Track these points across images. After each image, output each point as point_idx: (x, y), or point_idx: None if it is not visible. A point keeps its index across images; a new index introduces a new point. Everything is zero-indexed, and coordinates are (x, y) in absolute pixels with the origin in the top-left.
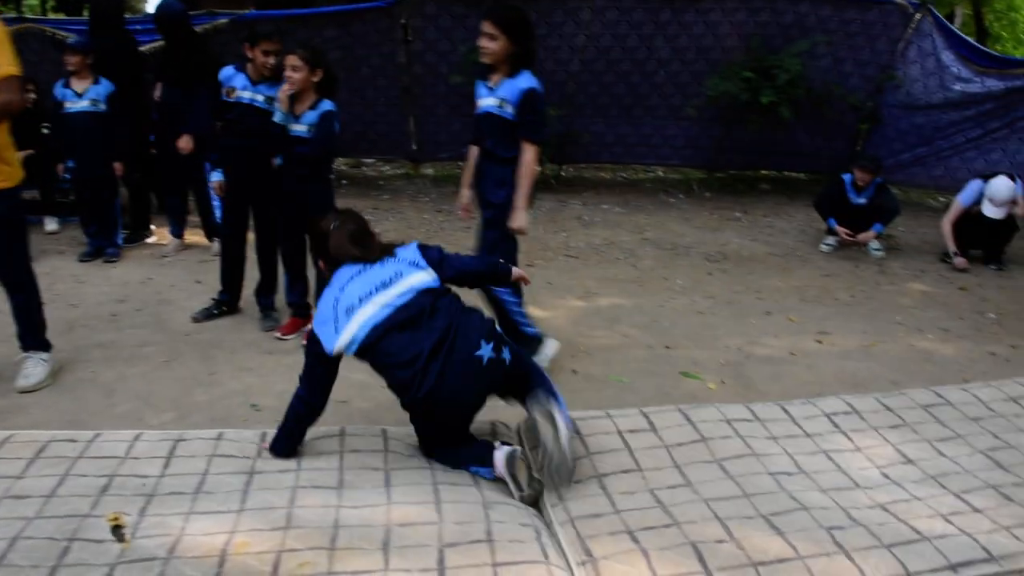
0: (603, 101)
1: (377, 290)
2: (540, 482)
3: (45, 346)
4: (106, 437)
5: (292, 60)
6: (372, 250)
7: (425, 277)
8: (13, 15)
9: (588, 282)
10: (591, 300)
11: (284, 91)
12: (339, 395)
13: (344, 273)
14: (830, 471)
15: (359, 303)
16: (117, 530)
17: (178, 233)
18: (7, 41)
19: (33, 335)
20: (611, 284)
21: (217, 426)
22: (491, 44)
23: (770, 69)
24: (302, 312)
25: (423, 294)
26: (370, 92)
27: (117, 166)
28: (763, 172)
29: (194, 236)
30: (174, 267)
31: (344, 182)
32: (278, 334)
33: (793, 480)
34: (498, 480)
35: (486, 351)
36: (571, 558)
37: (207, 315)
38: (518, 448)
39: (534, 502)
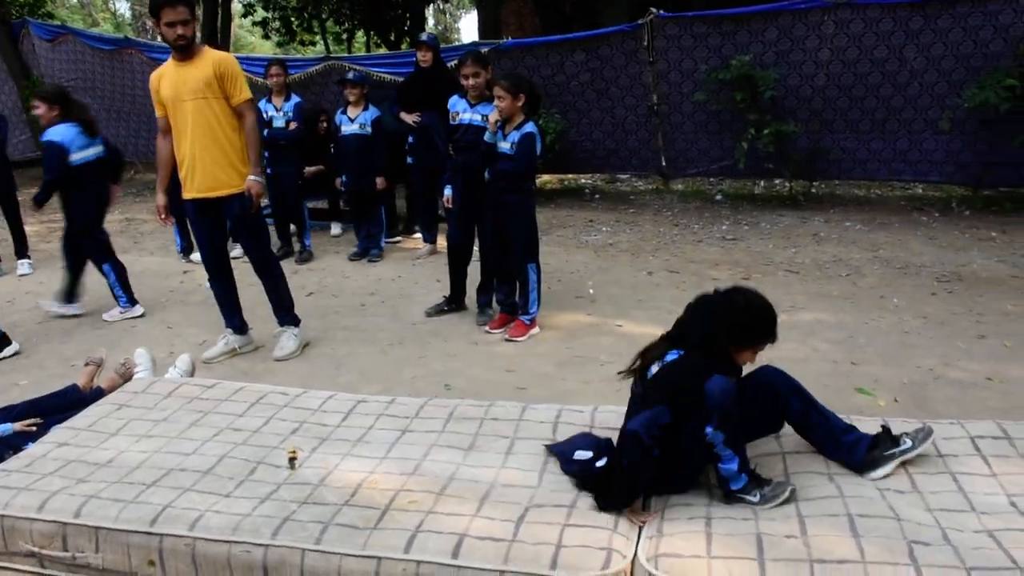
0: (853, 116)
1: None
2: None
3: (295, 321)
4: (309, 394)
5: (498, 91)
6: None
7: None
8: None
9: (798, 297)
10: (792, 314)
11: (492, 117)
12: (522, 382)
13: None
14: (948, 492)
15: None
16: (292, 461)
17: (430, 239)
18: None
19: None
20: (821, 300)
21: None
22: None
23: None
24: (509, 309)
25: None
26: (620, 111)
27: (379, 180)
28: None
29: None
30: (422, 268)
31: (597, 196)
32: (488, 328)
33: (902, 497)
34: None
35: None
36: (644, 531)
37: (437, 310)
38: None
39: None
